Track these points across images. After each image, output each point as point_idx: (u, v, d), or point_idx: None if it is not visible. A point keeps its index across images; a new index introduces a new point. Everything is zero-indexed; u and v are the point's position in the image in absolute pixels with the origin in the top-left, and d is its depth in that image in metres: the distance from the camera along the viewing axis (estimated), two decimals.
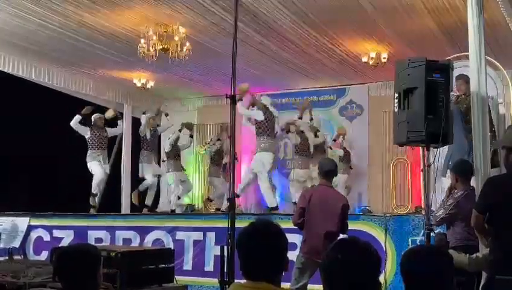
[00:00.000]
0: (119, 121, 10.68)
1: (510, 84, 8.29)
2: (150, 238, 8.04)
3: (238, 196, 8.42)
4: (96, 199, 9.92)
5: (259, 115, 9.00)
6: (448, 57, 6.71)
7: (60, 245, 7.47)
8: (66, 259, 3.01)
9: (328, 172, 5.75)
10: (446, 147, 5.80)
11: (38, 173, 13.02)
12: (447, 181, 6.78)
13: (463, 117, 6.64)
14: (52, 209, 9.24)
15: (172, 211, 10.04)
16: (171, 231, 7.99)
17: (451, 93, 4.94)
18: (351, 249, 2.24)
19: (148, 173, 10.17)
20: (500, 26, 7.37)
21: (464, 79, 6.73)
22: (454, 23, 7.76)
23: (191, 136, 10.97)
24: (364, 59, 9.46)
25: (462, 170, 5.20)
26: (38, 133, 12.22)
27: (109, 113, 10.31)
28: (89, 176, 9.87)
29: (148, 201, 10.29)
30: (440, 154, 5.09)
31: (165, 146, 10.69)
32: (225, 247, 3.83)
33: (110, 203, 10.88)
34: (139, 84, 10.99)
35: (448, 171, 6.65)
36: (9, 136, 11.71)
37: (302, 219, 5.65)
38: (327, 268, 2.24)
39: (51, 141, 12.24)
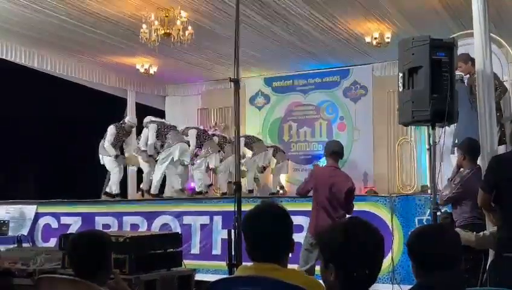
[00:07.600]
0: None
1: None
2: (157, 223, 8.06)
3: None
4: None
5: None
6: (453, 35, 6.65)
7: (68, 232, 7.50)
8: (78, 245, 3.04)
9: (334, 153, 5.80)
10: (453, 125, 5.77)
11: (46, 160, 13.03)
12: (455, 158, 6.75)
13: (470, 96, 6.57)
14: (60, 197, 9.28)
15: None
16: (178, 215, 8.01)
17: (456, 72, 4.90)
18: (352, 229, 2.22)
19: None
20: (504, 2, 7.30)
21: (461, 58, 6.66)
22: (458, 0, 7.68)
23: None
24: (368, 39, 9.40)
25: (470, 148, 5.15)
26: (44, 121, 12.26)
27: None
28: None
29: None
30: (445, 133, 5.06)
31: None
32: (232, 230, 3.85)
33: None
34: (142, 70, 10.96)
35: (455, 148, 6.62)
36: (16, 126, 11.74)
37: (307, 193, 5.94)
38: (328, 248, 2.23)
39: (54, 128, 12.26)
